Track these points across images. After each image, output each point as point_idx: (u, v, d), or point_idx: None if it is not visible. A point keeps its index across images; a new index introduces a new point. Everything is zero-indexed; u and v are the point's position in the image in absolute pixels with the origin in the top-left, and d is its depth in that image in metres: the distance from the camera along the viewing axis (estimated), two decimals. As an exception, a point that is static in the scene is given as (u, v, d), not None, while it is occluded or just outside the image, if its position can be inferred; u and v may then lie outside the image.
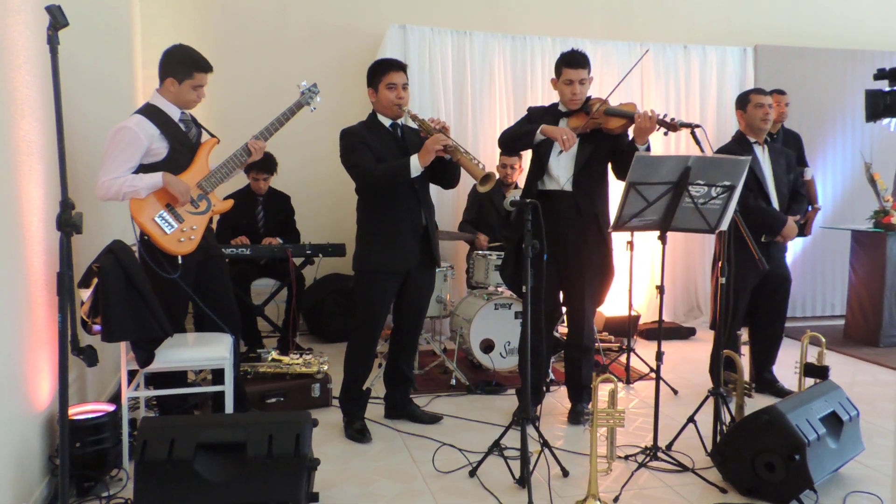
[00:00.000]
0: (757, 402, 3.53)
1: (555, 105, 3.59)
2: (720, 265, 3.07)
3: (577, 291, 3.50)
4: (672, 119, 3.22)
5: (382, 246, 3.28)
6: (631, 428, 3.54)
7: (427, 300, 3.52)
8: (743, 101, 3.99)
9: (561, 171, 3.46)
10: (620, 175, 3.50)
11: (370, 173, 3.19)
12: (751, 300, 4.04)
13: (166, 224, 3.02)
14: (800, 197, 4.11)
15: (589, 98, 3.48)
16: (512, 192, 4.45)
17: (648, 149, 3.31)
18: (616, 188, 3.64)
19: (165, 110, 3.08)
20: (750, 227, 3.23)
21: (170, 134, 3.05)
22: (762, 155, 3.98)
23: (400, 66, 3.29)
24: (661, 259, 3.09)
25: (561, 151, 3.35)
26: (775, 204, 3.95)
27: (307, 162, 5.41)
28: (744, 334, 4.26)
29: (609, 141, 3.45)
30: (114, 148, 2.94)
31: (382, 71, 3.28)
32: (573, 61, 3.41)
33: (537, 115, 3.57)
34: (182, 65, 3.06)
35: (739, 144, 3.97)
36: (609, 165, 3.53)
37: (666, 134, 3.27)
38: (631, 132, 3.32)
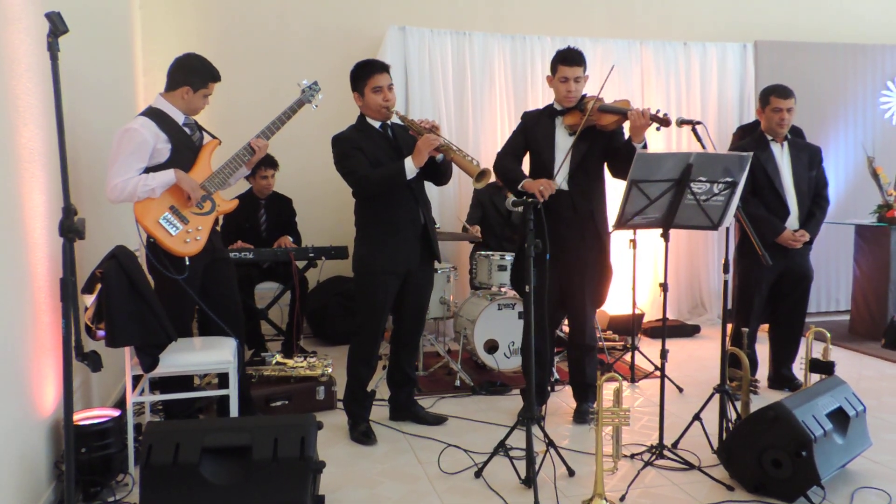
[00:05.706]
0: (763, 399, 3.52)
1: (549, 106, 3.59)
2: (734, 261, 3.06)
3: (577, 290, 3.50)
4: (665, 114, 3.22)
5: (384, 247, 3.27)
6: (636, 426, 3.54)
7: (428, 297, 3.52)
8: (763, 101, 3.95)
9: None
10: (617, 174, 3.50)
11: (367, 179, 3.18)
12: (770, 297, 4.02)
13: (171, 226, 3.02)
14: (820, 206, 4.01)
15: (584, 96, 3.48)
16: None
17: (645, 147, 3.31)
18: (612, 187, 3.65)
19: (169, 113, 3.10)
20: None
21: (173, 136, 3.07)
22: (780, 152, 3.96)
23: (383, 68, 3.26)
24: (665, 256, 3.09)
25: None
26: (792, 201, 3.93)
27: (309, 164, 5.41)
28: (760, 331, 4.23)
29: (603, 139, 3.45)
30: (122, 150, 2.94)
31: (366, 74, 3.24)
32: (569, 58, 3.41)
33: (532, 121, 3.57)
34: (199, 75, 3.09)
35: (756, 143, 3.95)
36: (605, 164, 3.53)
37: (658, 129, 3.28)
38: (627, 131, 3.32)
